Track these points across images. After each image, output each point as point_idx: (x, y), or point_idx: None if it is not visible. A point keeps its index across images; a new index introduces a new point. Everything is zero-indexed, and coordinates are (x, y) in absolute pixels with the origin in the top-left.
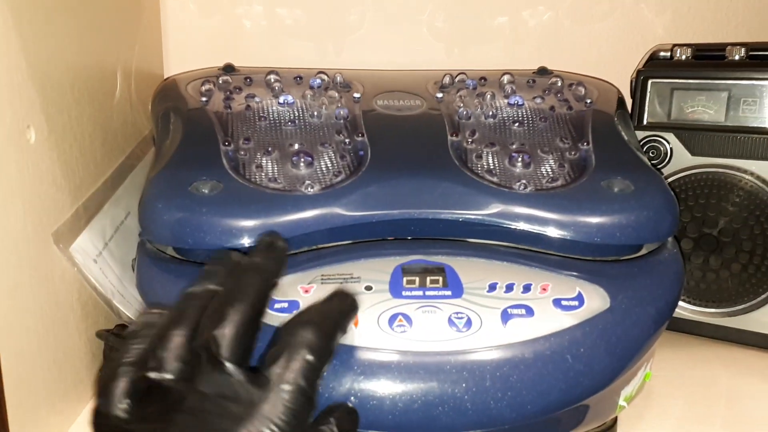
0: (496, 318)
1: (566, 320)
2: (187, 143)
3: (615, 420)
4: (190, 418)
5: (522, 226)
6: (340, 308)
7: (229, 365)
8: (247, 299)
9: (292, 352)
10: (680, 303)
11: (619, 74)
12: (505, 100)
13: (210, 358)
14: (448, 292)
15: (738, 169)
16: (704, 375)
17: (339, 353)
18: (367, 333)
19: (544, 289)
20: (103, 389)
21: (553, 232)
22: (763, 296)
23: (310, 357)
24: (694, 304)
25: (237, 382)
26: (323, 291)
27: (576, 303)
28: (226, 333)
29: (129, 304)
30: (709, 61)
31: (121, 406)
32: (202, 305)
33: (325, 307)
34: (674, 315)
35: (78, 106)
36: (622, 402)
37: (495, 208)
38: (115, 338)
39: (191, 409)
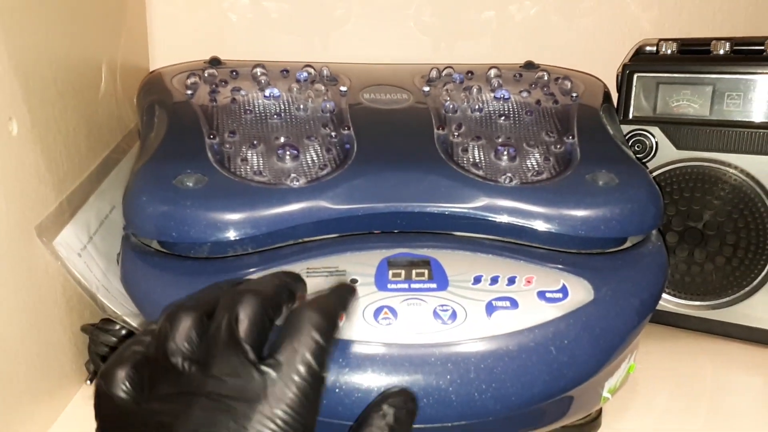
0: (480, 310)
1: (550, 312)
2: (172, 136)
3: (599, 412)
4: (206, 401)
5: (507, 219)
6: (341, 293)
7: (246, 346)
8: (267, 290)
9: (300, 333)
10: (665, 296)
11: (605, 69)
12: (492, 94)
13: (227, 339)
14: (434, 285)
15: (722, 163)
16: (689, 367)
17: None
18: (353, 325)
19: (529, 282)
20: (105, 373)
21: (538, 225)
22: (747, 289)
23: (317, 336)
24: (679, 297)
25: (251, 364)
26: (309, 284)
27: (560, 295)
28: (244, 316)
29: (114, 299)
30: (694, 55)
31: (123, 387)
32: (220, 293)
33: (326, 294)
34: (659, 308)
35: (62, 98)
36: (606, 393)
37: (480, 201)
38: (100, 332)
39: (207, 393)
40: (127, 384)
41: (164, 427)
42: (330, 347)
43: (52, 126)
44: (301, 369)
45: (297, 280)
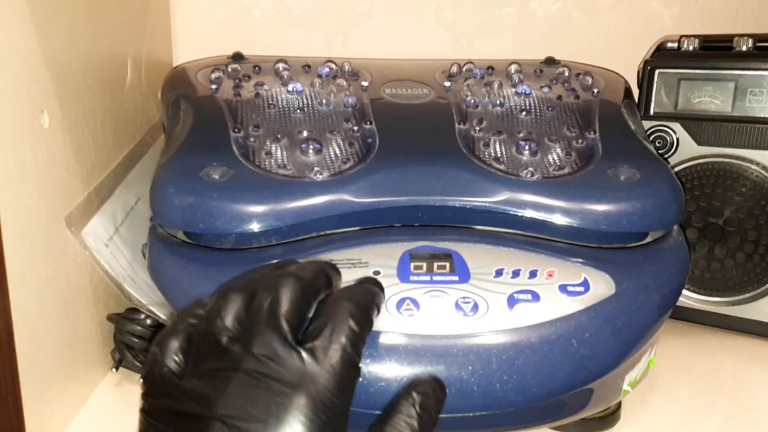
0: (502, 303)
1: (572, 305)
2: (197, 130)
3: (619, 404)
4: (247, 379)
5: (529, 213)
6: (371, 287)
7: (285, 326)
8: (308, 275)
9: (337, 322)
10: (686, 292)
11: (626, 65)
12: (513, 89)
13: (268, 319)
14: (455, 277)
15: (744, 159)
16: (708, 363)
17: None
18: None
19: (550, 275)
20: (160, 342)
21: (559, 219)
22: (767, 286)
23: (354, 325)
24: (699, 293)
25: (291, 346)
26: None
27: (582, 289)
28: (286, 298)
29: (139, 288)
30: (716, 51)
31: (175, 358)
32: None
33: (358, 286)
34: (679, 304)
35: (90, 92)
36: (626, 387)
37: (502, 195)
38: (125, 321)
39: (247, 370)
40: (179, 355)
41: (204, 400)
42: (365, 336)
43: (80, 119)
44: (339, 356)
45: (334, 269)
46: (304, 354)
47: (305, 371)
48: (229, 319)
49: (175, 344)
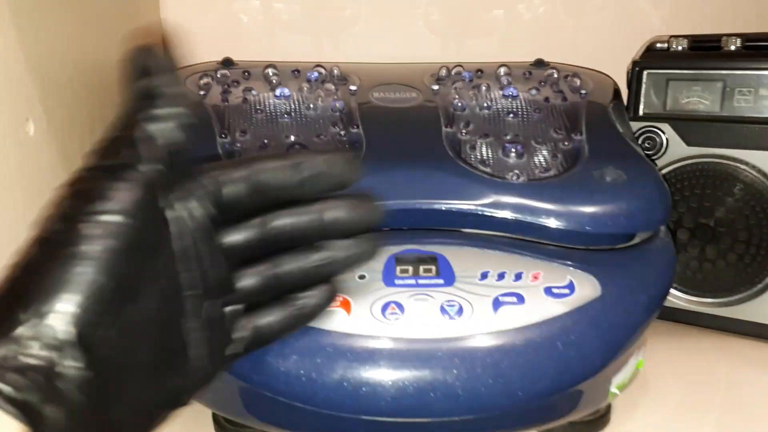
0: (487, 305)
1: (557, 308)
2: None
3: (609, 407)
4: None
5: (514, 215)
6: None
7: None
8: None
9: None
10: (677, 293)
11: (615, 66)
12: (500, 92)
13: None
14: (441, 281)
15: (734, 159)
16: (700, 364)
17: (332, 340)
18: (360, 321)
19: (536, 278)
20: None
21: (545, 221)
22: (760, 286)
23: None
24: (691, 294)
25: None
26: None
27: (567, 291)
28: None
29: None
30: (704, 51)
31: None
32: None
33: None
34: (671, 305)
35: (77, 99)
36: (614, 389)
37: (488, 198)
38: None
39: None
40: None
41: None
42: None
43: (67, 126)
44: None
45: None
46: None
47: None
48: None
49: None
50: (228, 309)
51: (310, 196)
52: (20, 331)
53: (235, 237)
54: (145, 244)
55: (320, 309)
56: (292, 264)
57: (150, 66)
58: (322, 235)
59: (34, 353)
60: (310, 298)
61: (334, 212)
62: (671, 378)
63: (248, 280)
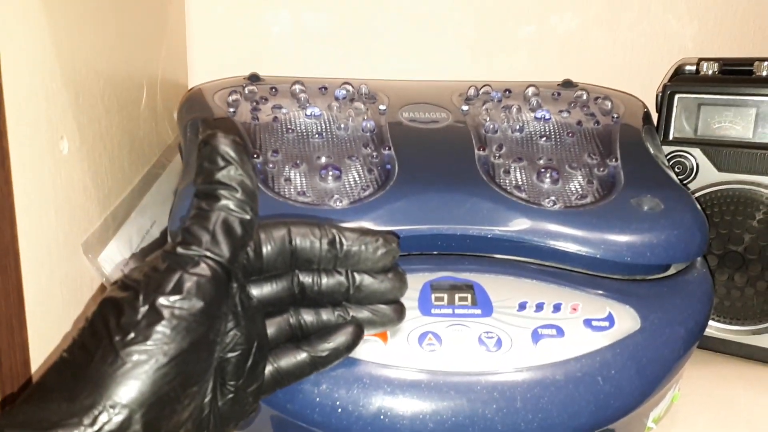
0: (526, 338)
1: (597, 341)
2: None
3: None
4: None
5: (551, 243)
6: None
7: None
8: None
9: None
10: None
11: (643, 84)
12: (532, 114)
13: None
14: (478, 311)
15: (765, 186)
16: (727, 393)
17: (369, 370)
18: (397, 351)
19: (575, 309)
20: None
21: (582, 250)
22: None
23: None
24: (719, 321)
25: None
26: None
27: (606, 324)
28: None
29: None
30: (736, 76)
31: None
32: None
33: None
34: None
35: (108, 115)
36: (650, 423)
37: (524, 224)
38: None
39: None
40: None
41: None
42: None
43: (98, 143)
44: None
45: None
46: None
47: None
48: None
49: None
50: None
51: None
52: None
53: (266, 290)
54: (213, 334)
55: (343, 354)
56: (312, 317)
57: (229, 155)
58: (347, 299)
59: None
60: (333, 341)
61: (364, 282)
62: (698, 405)
63: (270, 329)
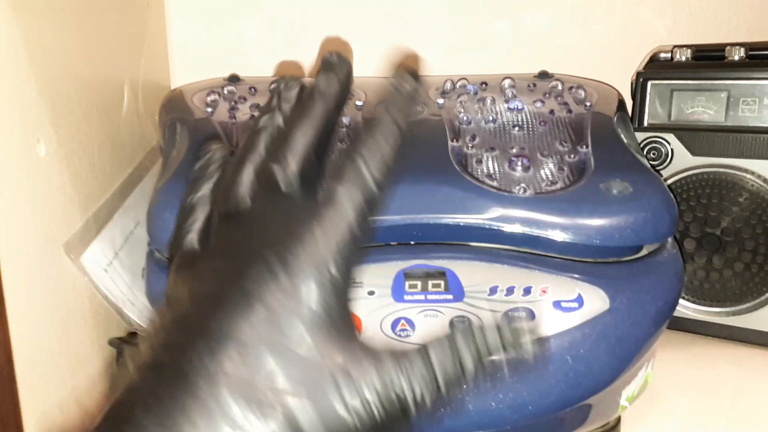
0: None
1: (566, 321)
2: (193, 153)
3: (618, 420)
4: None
5: (522, 229)
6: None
7: (287, 190)
8: (311, 125)
9: (352, 174)
10: (685, 302)
11: (620, 76)
12: (506, 105)
13: (271, 186)
14: (450, 296)
15: (739, 169)
16: (709, 374)
17: None
18: (371, 337)
19: (544, 292)
20: (181, 220)
21: (552, 234)
22: (767, 295)
23: (370, 180)
24: (698, 304)
25: (300, 205)
26: None
27: (576, 304)
28: (289, 160)
29: (139, 312)
30: (708, 61)
31: (193, 236)
32: (270, 137)
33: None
34: (679, 315)
35: (87, 118)
36: (623, 402)
37: (495, 212)
38: (126, 345)
39: (249, 234)
40: (197, 234)
41: (217, 273)
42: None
43: (77, 146)
44: (353, 208)
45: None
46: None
47: (312, 219)
48: (238, 190)
49: (195, 223)
50: None
51: None
52: None
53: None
54: None
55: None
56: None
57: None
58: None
59: None
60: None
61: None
62: (679, 387)
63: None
